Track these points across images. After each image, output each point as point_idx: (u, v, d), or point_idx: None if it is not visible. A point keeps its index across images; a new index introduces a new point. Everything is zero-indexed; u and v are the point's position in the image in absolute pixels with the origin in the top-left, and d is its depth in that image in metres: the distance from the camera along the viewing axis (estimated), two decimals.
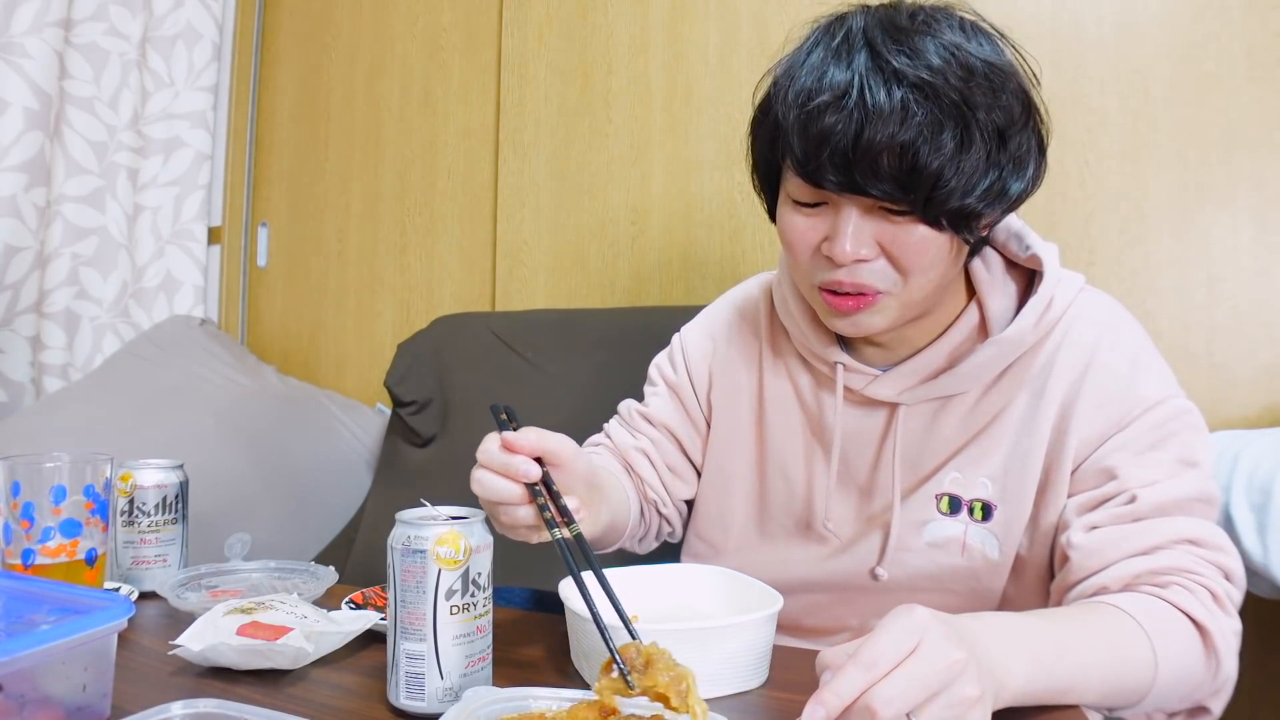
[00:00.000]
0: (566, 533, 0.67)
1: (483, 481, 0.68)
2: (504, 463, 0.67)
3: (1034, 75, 0.76)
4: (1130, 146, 1.28)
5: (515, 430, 0.69)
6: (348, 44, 2.03)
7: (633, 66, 1.66)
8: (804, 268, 0.80)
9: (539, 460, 0.68)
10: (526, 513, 0.68)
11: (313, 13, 2.09)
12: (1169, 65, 1.26)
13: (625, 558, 0.99)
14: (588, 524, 0.75)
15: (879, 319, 0.79)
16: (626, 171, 1.66)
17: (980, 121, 0.70)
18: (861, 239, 0.74)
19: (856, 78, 0.70)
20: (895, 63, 0.70)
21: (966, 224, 0.74)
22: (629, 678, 0.55)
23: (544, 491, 0.68)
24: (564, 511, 0.68)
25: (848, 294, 0.77)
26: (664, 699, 0.54)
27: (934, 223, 0.73)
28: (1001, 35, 0.76)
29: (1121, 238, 1.28)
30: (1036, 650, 0.62)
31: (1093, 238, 1.29)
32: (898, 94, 0.69)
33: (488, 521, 0.67)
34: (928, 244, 0.74)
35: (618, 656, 0.56)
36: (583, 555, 0.66)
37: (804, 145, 0.72)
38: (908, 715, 0.52)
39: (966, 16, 0.76)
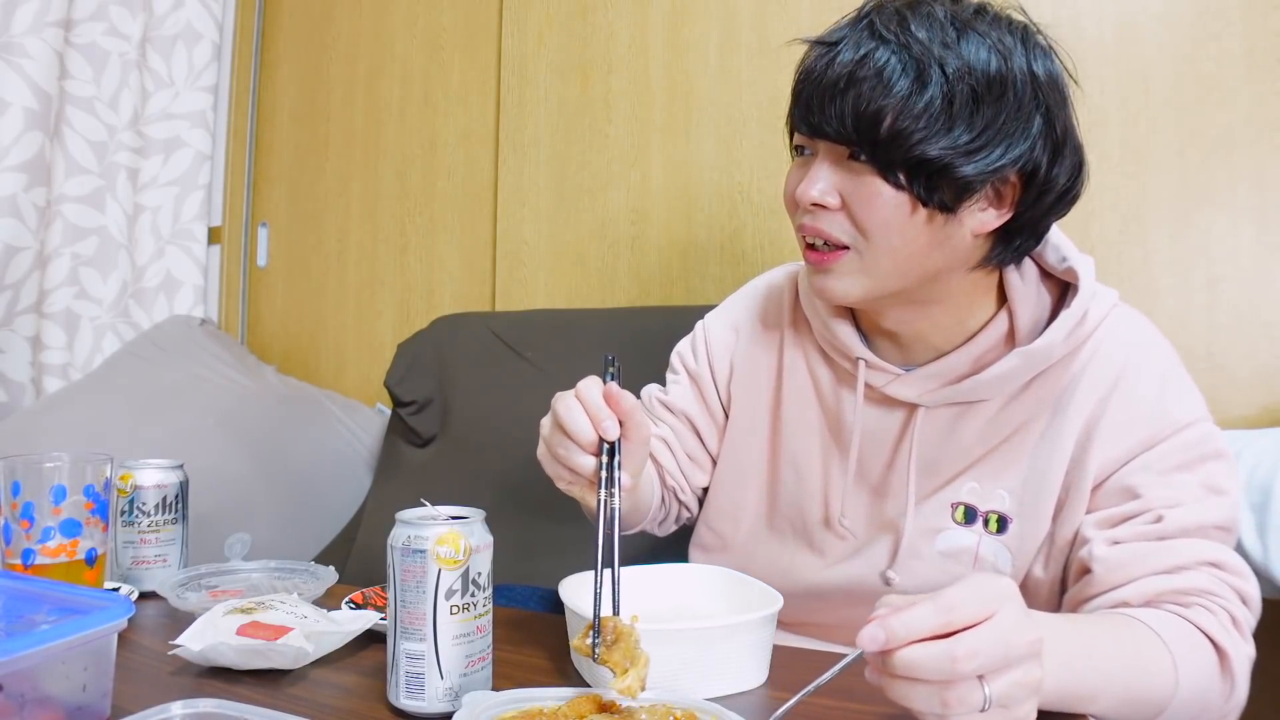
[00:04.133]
0: (614, 502, 0.69)
1: (572, 411, 0.71)
2: (598, 408, 0.70)
3: (1046, 77, 0.74)
4: (1130, 146, 1.28)
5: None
6: (348, 44, 2.03)
7: (633, 66, 1.66)
8: (792, 220, 0.83)
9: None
10: (589, 462, 0.71)
11: (313, 13, 2.09)
12: (1169, 65, 1.26)
13: (632, 553, 0.99)
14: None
15: (845, 283, 0.79)
16: (626, 171, 1.66)
17: (949, 79, 0.71)
18: (824, 185, 0.77)
19: (846, 34, 0.76)
20: (881, 25, 0.74)
21: (926, 183, 0.73)
22: (596, 648, 0.61)
23: (607, 455, 0.71)
24: (614, 482, 0.70)
25: (819, 249, 0.79)
26: (619, 671, 0.60)
27: (891, 176, 0.74)
28: (1026, 36, 0.75)
29: (1121, 238, 1.28)
30: (1069, 655, 0.61)
31: (1093, 238, 1.29)
32: (870, 44, 0.73)
33: (487, 521, 0.67)
34: (884, 201, 0.75)
35: (598, 625, 0.62)
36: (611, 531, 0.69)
37: (795, 92, 0.79)
38: (980, 679, 0.51)
39: (1002, 14, 0.76)
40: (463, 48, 1.87)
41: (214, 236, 2.13)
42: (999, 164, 0.72)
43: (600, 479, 0.70)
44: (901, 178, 0.73)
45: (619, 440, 0.71)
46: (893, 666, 0.52)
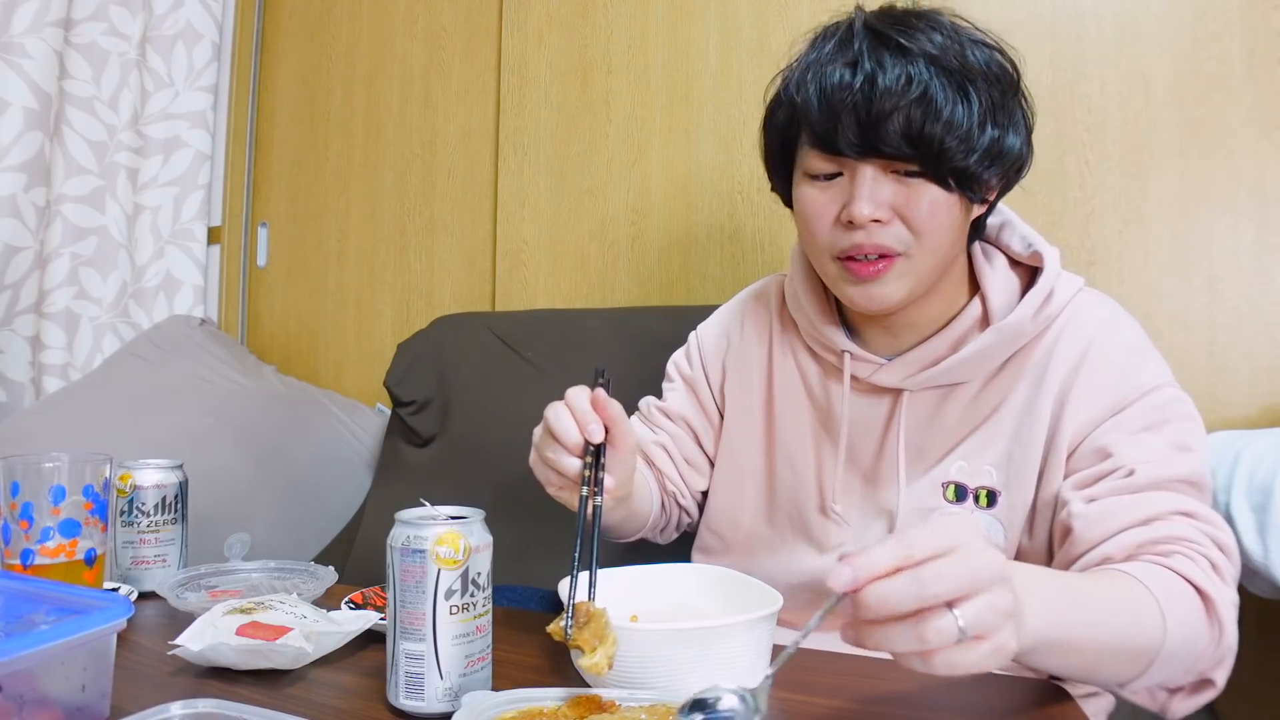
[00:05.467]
0: (596, 500, 0.72)
1: (559, 416, 0.74)
2: (584, 411, 0.74)
3: (1014, 66, 0.82)
4: (1130, 146, 1.28)
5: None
6: (348, 44, 2.03)
7: (633, 66, 1.66)
8: (823, 243, 0.84)
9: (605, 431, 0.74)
10: (574, 463, 0.74)
11: (313, 13, 2.09)
12: (1169, 65, 1.26)
13: (636, 553, 0.99)
14: (609, 506, 0.82)
15: (893, 288, 0.82)
16: (626, 171, 1.66)
17: (978, 86, 0.77)
18: (878, 200, 0.80)
19: (864, 54, 0.78)
20: (898, 39, 0.77)
21: (971, 184, 0.79)
22: (569, 630, 0.62)
23: (592, 458, 0.74)
24: (599, 483, 0.73)
25: (868, 260, 0.82)
26: (588, 649, 0.62)
27: (943, 182, 0.78)
28: (983, 33, 0.83)
29: (1121, 238, 1.28)
30: (1052, 599, 0.62)
31: (1093, 238, 1.29)
32: (903, 63, 0.77)
33: (487, 521, 0.67)
34: (939, 205, 0.79)
35: (570, 609, 0.64)
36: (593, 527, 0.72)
37: (823, 118, 0.79)
38: (949, 606, 0.51)
39: (953, 18, 0.83)
40: (463, 48, 1.86)
41: (214, 236, 2.12)
42: (1016, 152, 0.81)
43: (584, 478, 0.73)
44: (952, 182, 0.79)
45: (604, 445, 0.74)
46: (864, 606, 0.52)
